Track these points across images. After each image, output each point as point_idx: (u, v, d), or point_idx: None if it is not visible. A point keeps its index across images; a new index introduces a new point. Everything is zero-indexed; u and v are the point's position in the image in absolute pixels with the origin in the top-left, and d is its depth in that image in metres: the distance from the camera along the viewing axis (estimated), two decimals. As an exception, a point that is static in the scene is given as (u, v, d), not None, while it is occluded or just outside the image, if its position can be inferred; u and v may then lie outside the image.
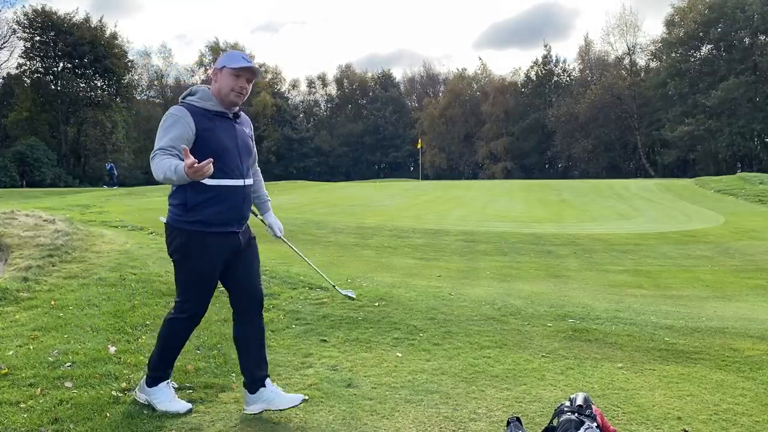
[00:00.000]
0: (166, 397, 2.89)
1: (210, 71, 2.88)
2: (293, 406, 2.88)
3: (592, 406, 2.54)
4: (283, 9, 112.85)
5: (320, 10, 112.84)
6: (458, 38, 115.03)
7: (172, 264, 2.91)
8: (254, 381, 2.89)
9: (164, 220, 2.83)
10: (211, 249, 2.75)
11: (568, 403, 2.58)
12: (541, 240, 10.48)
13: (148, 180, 44.96)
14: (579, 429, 2.38)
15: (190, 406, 2.92)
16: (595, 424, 2.42)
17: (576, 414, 2.47)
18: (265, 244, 9.74)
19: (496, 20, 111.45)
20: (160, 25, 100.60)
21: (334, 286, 3.99)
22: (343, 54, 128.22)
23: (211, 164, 2.33)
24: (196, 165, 2.31)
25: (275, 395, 2.88)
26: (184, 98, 2.77)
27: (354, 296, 3.85)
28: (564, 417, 2.48)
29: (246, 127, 2.92)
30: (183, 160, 2.38)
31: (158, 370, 2.92)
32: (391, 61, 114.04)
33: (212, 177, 2.52)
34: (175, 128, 2.59)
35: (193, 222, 2.69)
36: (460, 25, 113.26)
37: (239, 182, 2.76)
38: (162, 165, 2.47)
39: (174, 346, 2.95)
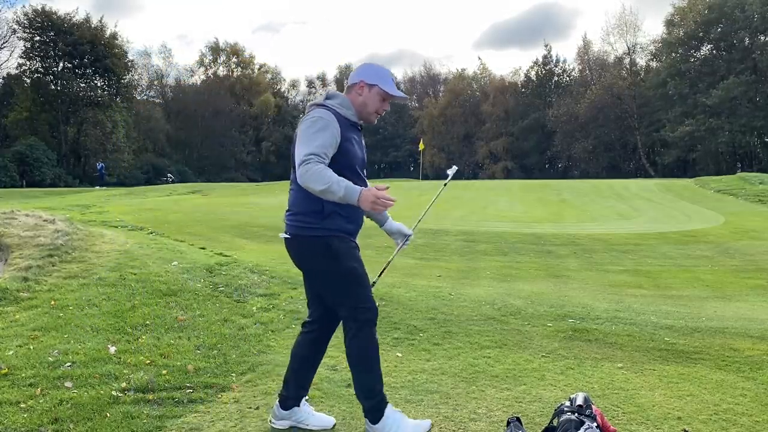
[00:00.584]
0: (398, 418, 2.62)
1: (352, 80, 2.71)
2: (324, 429, 2.74)
3: (592, 406, 2.54)
4: (284, 9, 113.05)
5: (321, 11, 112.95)
6: (459, 38, 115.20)
7: (313, 277, 2.64)
8: (294, 398, 2.74)
9: (287, 235, 2.58)
10: (354, 249, 2.63)
11: (568, 403, 2.58)
12: (541, 240, 10.48)
13: (148, 180, 45.04)
14: (579, 429, 2.38)
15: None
16: (595, 424, 2.42)
17: (576, 414, 2.47)
18: (265, 244, 9.70)
19: (496, 20, 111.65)
20: (161, 25, 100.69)
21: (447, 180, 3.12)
22: (343, 54, 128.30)
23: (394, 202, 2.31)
24: (382, 197, 2.28)
25: (308, 415, 2.75)
26: (325, 101, 2.62)
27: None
28: (564, 417, 2.48)
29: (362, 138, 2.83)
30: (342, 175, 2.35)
31: (379, 394, 2.60)
32: (392, 61, 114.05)
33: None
34: (325, 133, 2.44)
35: (331, 229, 2.52)
36: (461, 25, 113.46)
37: None
38: (326, 176, 2.30)
39: (377, 359, 2.61)
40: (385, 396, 2.63)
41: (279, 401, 2.76)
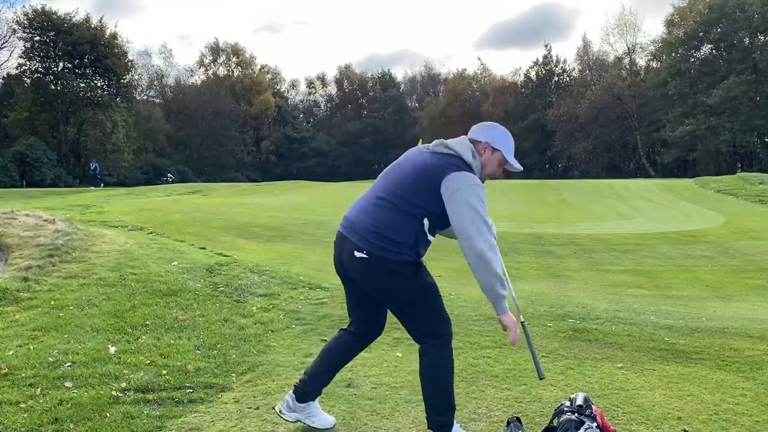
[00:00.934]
0: None
1: (477, 137, 2.53)
2: (326, 429, 2.76)
3: (592, 406, 2.54)
4: (285, 9, 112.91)
5: (322, 11, 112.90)
6: (459, 39, 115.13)
7: (388, 298, 2.56)
8: (312, 394, 2.74)
9: (364, 255, 2.45)
10: (425, 267, 2.62)
11: (568, 403, 2.58)
12: (541, 240, 10.48)
13: (148, 180, 45.02)
14: (579, 429, 2.38)
15: None
16: (595, 424, 2.42)
17: (576, 414, 2.47)
18: (265, 244, 9.68)
19: (496, 20, 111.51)
20: (163, 25, 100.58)
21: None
22: (344, 54, 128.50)
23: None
24: (514, 335, 2.44)
25: (317, 412, 2.77)
26: (468, 162, 2.52)
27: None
28: (564, 417, 2.48)
29: None
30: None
31: (453, 410, 2.58)
32: (393, 62, 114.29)
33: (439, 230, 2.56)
34: (486, 201, 2.45)
35: (411, 255, 2.49)
36: (462, 25, 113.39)
37: None
38: (497, 270, 2.37)
39: (453, 373, 2.59)
40: (452, 420, 2.59)
41: (295, 394, 2.73)
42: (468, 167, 2.49)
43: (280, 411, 2.76)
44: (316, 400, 2.78)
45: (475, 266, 2.37)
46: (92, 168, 36.39)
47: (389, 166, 2.69)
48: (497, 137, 2.61)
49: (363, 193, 2.68)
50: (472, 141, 2.60)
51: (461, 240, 2.38)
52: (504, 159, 2.60)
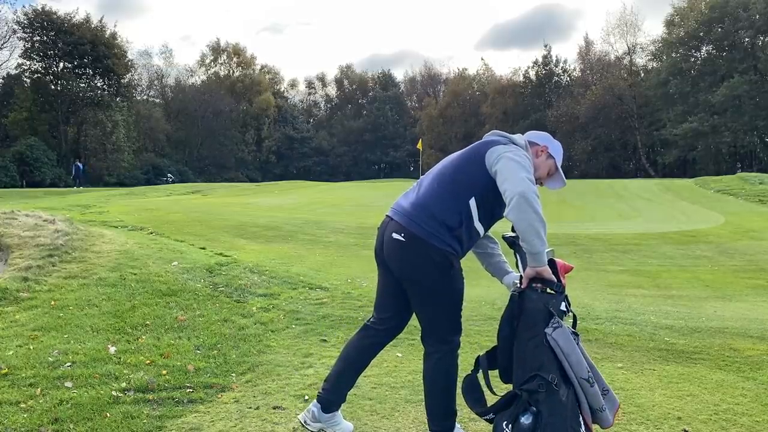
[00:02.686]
0: None
1: (534, 139, 2.54)
2: None
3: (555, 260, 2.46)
4: (288, 11, 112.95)
5: (324, 12, 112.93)
6: (461, 39, 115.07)
7: (418, 289, 2.47)
8: (338, 402, 2.70)
9: (401, 237, 2.39)
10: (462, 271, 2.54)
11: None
12: (541, 240, 10.46)
13: (148, 180, 45.02)
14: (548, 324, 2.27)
15: None
16: (563, 303, 2.35)
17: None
18: (265, 244, 9.68)
19: (498, 21, 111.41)
20: (166, 26, 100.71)
21: None
22: (346, 55, 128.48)
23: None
24: (549, 279, 2.34)
25: (340, 420, 2.73)
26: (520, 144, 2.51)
27: None
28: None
29: None
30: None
31: (452, 417, 2.56)
32: (394, 62, 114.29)
33: (484, 226, 2.46)
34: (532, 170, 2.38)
35: (453, 247, 2.41)
36: (463, 26, 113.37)
37: None
38: (539, 212, 2.22)
39: (456, 383, 2.54)
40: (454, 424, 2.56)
41: (321, 405, 2.66)
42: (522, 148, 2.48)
43: (304, 421, 2.69)
44: (340, 409, 2.73)
45: (516, 207, 2.19)
46: (75, 167, 35.92)
47: (446, 158, 2.69)
48: (555, 147, 2.62)
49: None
50: (530, 143, 2.59)
51: (502, 185, 2.26)
52: (555, 167, 2.60)
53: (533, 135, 2.64)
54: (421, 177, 2.66)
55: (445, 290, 2.44)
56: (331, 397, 2.67)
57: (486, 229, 2.52)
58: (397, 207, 2.54)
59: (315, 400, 2.70)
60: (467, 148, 2.56)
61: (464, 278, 2.52)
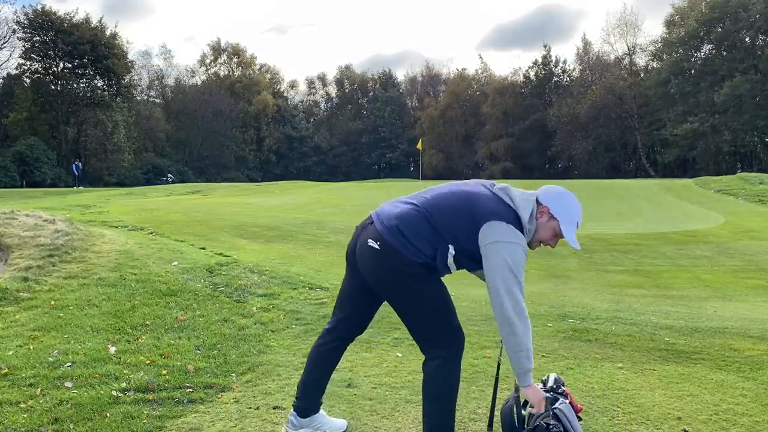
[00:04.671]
0: None
1: (539, 197, 2.31)
2: None
3: (563, 387, 2.56)
4: (292, 12, 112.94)
5: (327, 13, 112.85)
6: (462, 40, 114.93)
7: (394, 298, 2.42)
8: (313, 408, 2.68)
9: (376, 245, 2.34)
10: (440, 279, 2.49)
11: (540, 385, 2.61)
12: (541, 240, 10.46)
13: (148, 180, 45.02)
14: (554, 404, 2.40)
15: None
16: (567, 400, 2.45)
17: (551, 392, 2.49)
18: (265, 244, 9.66)
19: (500, 22, 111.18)
20: (171, 27, 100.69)
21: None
22: (348, 55, 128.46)
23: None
24: (539, 408, 2.30)
25: (325, 420, 2.71)
26: (522, 217, 2.33)
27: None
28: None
29: None
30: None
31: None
32: (396, 62, 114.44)
33: (458, 268, 2.40)
34: (524, 264, 2.29)
35: (428, 260, 2.35)
36: (465, 27, 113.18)
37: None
38: (525, 338, 2.21)
39: (457, 392, 2.44)
40: None
41: (297, 412, 2.65)
42: (518, 224, 2.31)
43: (287, 430, 2.69)
44: (321, 410, 2.72)
45: (502, 329, 2.23)
46: (73, 167, 36.05)
47: (439, 185, 2.55)
48: (559, 206, 2.38)
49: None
50: (538, 201, 2.40)
51: (491, 296, 2.26)
52: (559, 231, 2.37)
53: (543, 192, 2.43)
54: (421, 190, 2.54)
55: (424, 299, 2.36)
56: (304, 404, 2.65)
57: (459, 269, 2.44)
58: (381, 212, 2.45)
59: (292, 409, 2.70)
60: (472, 194, 2.37)
61: (444, 284, 2.43)
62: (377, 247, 2.33)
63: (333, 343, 2.68)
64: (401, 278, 2.33)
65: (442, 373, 2.38)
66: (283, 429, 2.73)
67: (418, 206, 2.39)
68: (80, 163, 36.99)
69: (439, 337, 2.39)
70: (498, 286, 2.22)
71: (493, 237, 2.24)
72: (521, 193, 2.40)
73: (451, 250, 2.31)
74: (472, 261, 2.35)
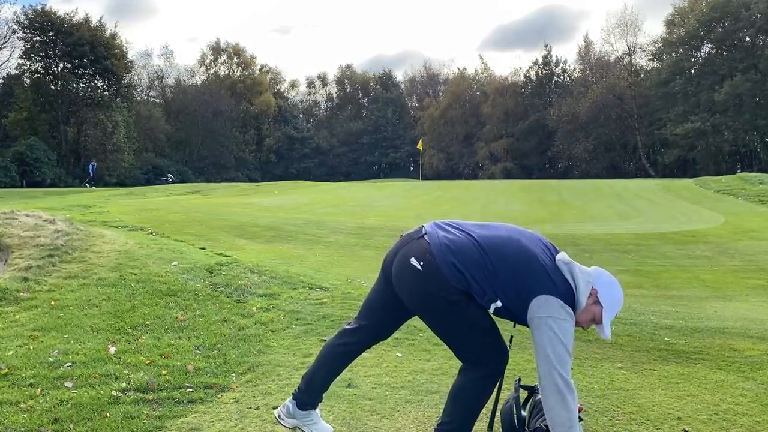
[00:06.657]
0: None
1: (592, 280, 2.36)
2: None
3: None
4: (295, 12, 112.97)
5: (330, 13, 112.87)
6: (464, 41, 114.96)
7: (433, 318, 2.39)
8: (312, 402, 2.67)
9: (419, 266, 2.27)
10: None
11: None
12: (541, 240, 10.46)
13: (148, 180, 45.01)
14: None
15: None
16: None
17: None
18: (265, 244, 9.67)
19: (501, 22, 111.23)
20: (175, 28, 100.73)
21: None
22: (349, 55, 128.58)
23: None
24: None
25: (317, 420, 2.69)
26: (577, 301, 2.30)
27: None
28: (539, 397, 2.49)
29: None
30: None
31: None
32: (397, 63, 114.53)
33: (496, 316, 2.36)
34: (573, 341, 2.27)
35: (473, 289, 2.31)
36: (466, 27, 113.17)
37: None
38: (572, 410, 2.17)
39: (482, 408, 2.45)
40: None
41: (297, 402, 2.65)
42: (572, 302, 2.28)
43: (279, 416, 2.69)
44: (317, 408, 2.72)
45: (550, 400, 2.20)
46: (89, 167, 36.42)
47: (504, 226, 2.47)
48: (608, 293, 2.34)
49: (456, 219, 2.51)
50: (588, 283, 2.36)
51: (540, 366, 2.22)
52: (600, 317, 2.34)
53: (597, 276, 2.36)
54: (475, 222, 2.48)
55: (462, 322, 2.32)
56: (305, 397, 2.65)
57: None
58: (436, 232, 2.37)
59: (291, 396, 2.70)
60: (533, 258, 2.29)
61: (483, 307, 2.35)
62: (419, 267, 2.27)
63: (353, 347, 2.65)
64: (440, 303, 2.29)
65: (477, 387, 2.39)
66: (276, 411, 2.73)
67: (478, 242, 2.33)
68: (95, 164, 37.25)
69: (479, 357, 2.37)
70: (549, 356, 2.18)
71: (547, 312, 2.21)
72: (585, 275, 2.34)
73: (498, 303, 2.28)
74: (508, 314, 2.32)
